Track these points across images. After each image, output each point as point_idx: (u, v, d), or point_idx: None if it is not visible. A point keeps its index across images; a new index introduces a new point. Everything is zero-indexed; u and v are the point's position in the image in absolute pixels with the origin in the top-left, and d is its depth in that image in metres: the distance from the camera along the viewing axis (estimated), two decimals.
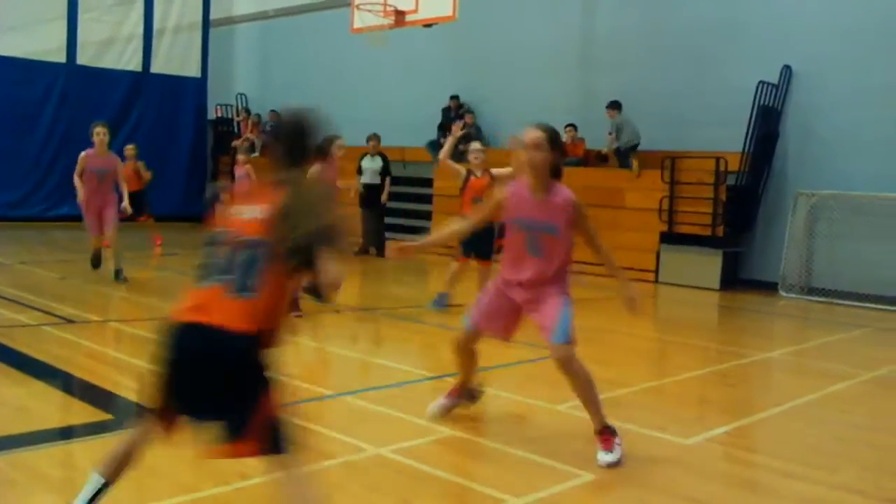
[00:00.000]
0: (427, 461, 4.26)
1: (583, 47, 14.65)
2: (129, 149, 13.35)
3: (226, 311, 2.79)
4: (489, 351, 7.09)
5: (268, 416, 2.88)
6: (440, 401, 5.08)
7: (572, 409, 5.22)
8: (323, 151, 7.09)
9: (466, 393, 5.16)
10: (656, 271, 12.80)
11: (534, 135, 4.44)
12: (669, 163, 12.66)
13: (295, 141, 3.16)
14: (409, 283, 11.36)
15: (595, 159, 14.12)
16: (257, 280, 2.80)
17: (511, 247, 4.64)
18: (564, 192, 4.48)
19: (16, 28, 17.21)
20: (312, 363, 6.47)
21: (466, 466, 4.38)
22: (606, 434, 4.46)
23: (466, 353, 4.94)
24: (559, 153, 4.50)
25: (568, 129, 13.78)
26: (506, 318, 4.74)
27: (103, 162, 9.76)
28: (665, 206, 12.74)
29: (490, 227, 7.37)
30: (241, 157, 12.72)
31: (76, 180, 9.71)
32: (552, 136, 4.46)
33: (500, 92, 15.45)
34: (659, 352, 8.24)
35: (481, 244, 8.27)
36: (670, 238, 12.70)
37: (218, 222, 2.99)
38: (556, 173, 4.49)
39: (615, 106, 13.34)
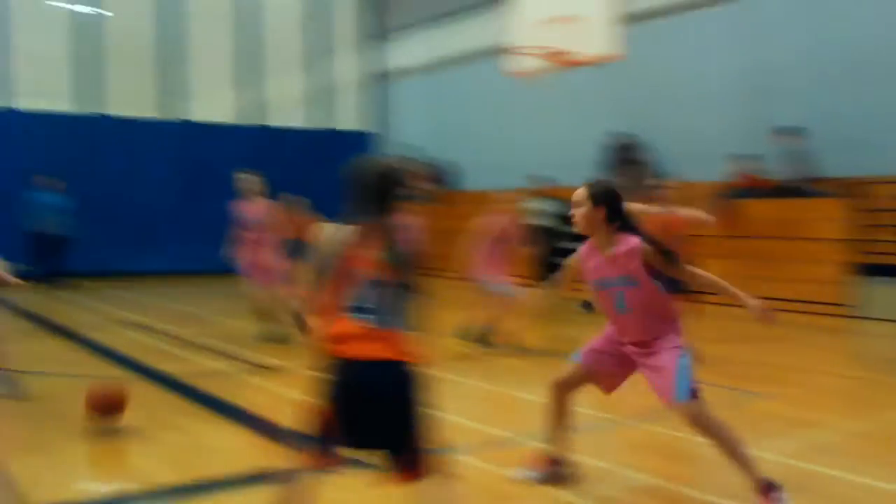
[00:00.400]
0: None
1: (755, 75, 14.16)
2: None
3: (386, 343, 3.18)
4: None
5: (425, 444, 3.21)
6: (524, 471, 4.68)
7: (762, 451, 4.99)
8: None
9: (552, 468, 4.61)
10: (843, 304, 11.97)
11: (577, 193, 4.33)
12: (859, 189, 11.95)
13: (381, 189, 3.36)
14: (585, 324, 11.21)
15: (773, 191, 13.55)
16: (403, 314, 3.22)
17: (604, 310, 4.45)
18: (630, 240, 4.23)
19: (202, 96, 18.57)
20: (492, 406, 6.50)
21: None
22: (766, 489, 4.04)
23: (561, 400, 4.56)
24: (609, 206, 4.26)
25: (743, 160, 13.33)
26: (616, 366, 4.47)
27: None
28: (855, 234, 11.99)
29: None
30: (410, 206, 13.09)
31: None
32: (595, 192, 4.29)
33: (670, 126, 15.15)
34: (862, 391, 7.63)
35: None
36: (868, 269, 11.86)
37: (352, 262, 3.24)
38: (620, 225, 4.28)
39: (794, 132, 12.78)
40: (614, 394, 4.61)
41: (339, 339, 3.24)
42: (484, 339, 9.07)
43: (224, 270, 17.36)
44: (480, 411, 6.41)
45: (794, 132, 12.80)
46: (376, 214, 3.30)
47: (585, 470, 4.86)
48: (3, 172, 15.53)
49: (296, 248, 11.86)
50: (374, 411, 3.15)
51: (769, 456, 4.91)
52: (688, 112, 14.84)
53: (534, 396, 6.85)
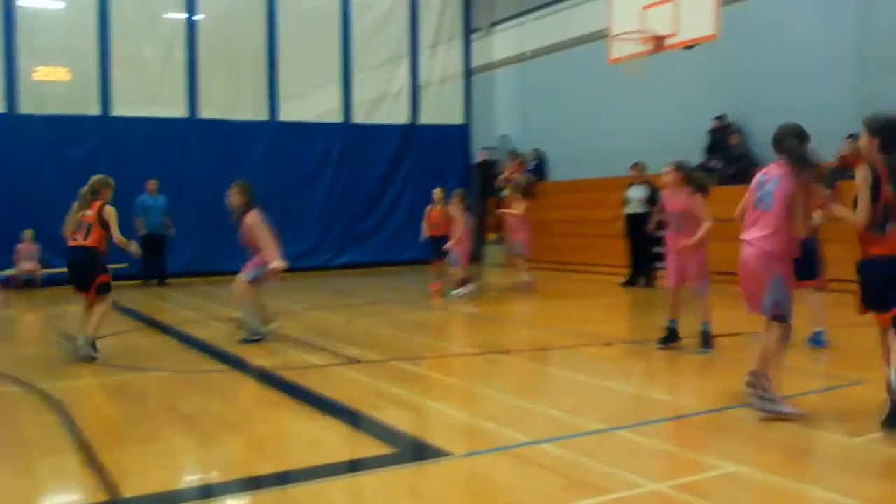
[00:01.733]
0: (710, 498, 4.03)
1: (861, 49, 13.52)
2: (438, 192, 14.01)
3: None
4: (783, 380, 6.66)
5: None
6: None
7: (869, 442, 4.77)
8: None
9: None
10: None
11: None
12: None
13: None
14: (685, 315, 10.96)
15: None
16: None
17: None
18: None
19: (297, 96, 18.91)
20: (584, 397, 6.40)
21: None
22: None
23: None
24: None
25: (849, 139, 12.76)
26: None
27: None
28: None
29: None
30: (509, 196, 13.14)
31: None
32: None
33: (770, 107, 14.61)
34: None
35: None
36: None
37: None
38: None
39: None
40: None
41: None
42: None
43: (316, 266, 17.69)
44: (567, 401, 6.32)
45: None
46: None
47: (675, 458, 4.73)
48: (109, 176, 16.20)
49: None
50: None
51: (864, 444, 4.67)
52: (788, 91, 14.28)
53: (618, 385, 6.74)
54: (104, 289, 8.14)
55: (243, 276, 9.00)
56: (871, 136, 5.01)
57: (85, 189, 8.24)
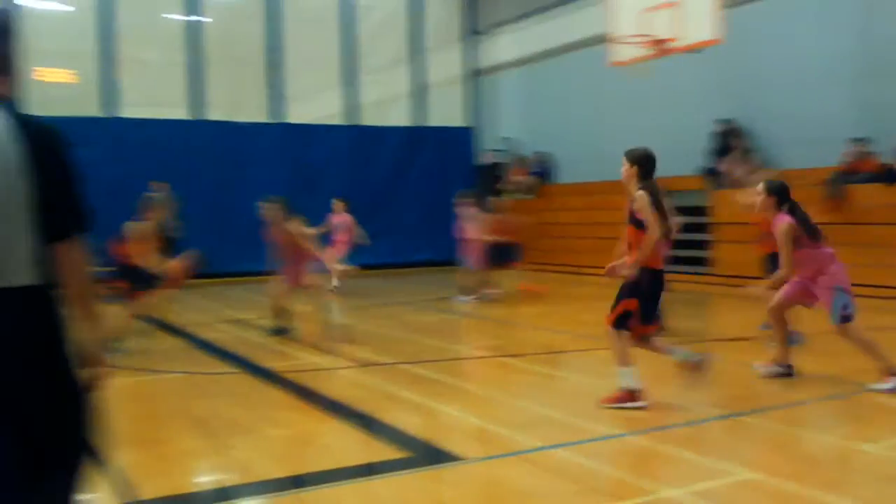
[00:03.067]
0: None
1: (862, 55, 13.50)
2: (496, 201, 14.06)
3: None
4: (785, 386, 6.66)
5: None
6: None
7: (889, 449, 4.76)
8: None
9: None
10: None
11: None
12: None
13: None
14: (690, 317, 10.95)
15: (884, 174, 12.93)
16: None
17: None
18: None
19: (301, 97, 18.95)
20: (594, 401, 6.39)
21: None
22: None
23: None
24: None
25: (855, 143, 12.76)
26: None
27: None
28: None
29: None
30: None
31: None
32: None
33: (774, 111, 14.61)
34: None
35: None
36: None
37: None
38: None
39: None
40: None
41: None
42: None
43: (322, 269, 17.65)
44: (579, 405, 6.31)
45: None
46: None
47: (689, 465, 4.73)
48: (114, 179, 16.15)
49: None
50: None
51: (890, 452, 4.67)
52: (792, 95, 14.27)
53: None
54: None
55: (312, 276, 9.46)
56: (630, 165, 6.32)
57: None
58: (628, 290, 5.90)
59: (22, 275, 2.42)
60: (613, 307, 5.95)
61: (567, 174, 19.29)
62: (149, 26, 17.66)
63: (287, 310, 9.40)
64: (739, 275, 14.13)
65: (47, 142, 2.48)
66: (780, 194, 6.69)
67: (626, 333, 5.95)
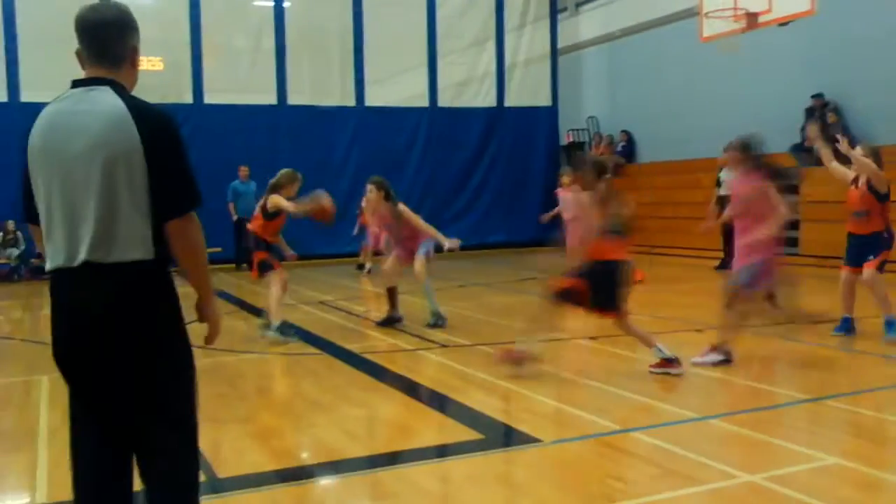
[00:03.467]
0: (807, 491, 3.90)
1: None
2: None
3: None
4: (873, 370, 6.43)
5: None
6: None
7: None
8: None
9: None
10: None
11: None
12: None
13: None
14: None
15: None
16: None
17: None
18: None
19: (382, 80, 19.04)
20: (675, 384, 6.29)
21: (854, 498, 3.92)
22: None
23: None
24: None
25: None
26: None
27: None
28: None
29: None
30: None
31: None
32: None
33: (869, 84, 14.03)
34: None
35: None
36: None
37: None
38: None
39: None
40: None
41: None
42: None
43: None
44: (658, 388, 6.21)
45: None
46: None
47: (771, 449, 4.61)
48: (201, 163, 16.61)
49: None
50: None
51: None
52: (885, 70, 13.67)
53: (710, 372, 6.59)
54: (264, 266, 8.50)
55: (419, 257, 9.17)
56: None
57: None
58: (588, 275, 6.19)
59: (132, 251, 2.63)
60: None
61: (650, 153, 18.95)
62: (234, 13, 18.00)
63: (395, 292, 9.33)
64: (828, 255, 13.70)
65: (162, 125, 2.67)
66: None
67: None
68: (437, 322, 9.05)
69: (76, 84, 2.74)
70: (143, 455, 2.75)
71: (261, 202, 8.64)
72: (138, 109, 2.64)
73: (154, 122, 2.65)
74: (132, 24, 2.81)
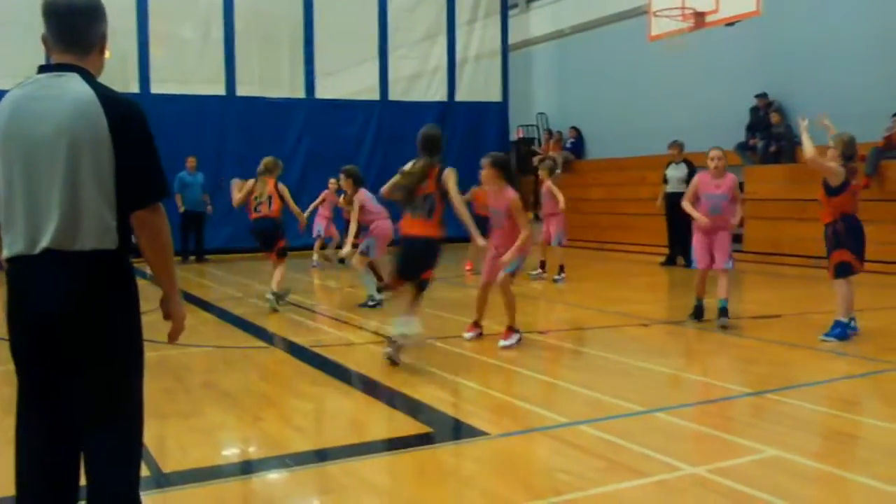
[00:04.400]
0: (749, 483, 3.98)
1: None
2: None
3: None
4: (813, 364, 6.58)
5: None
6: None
7: None
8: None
9: None
10: None
11: None
12: None
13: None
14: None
15: None
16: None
17: None
18: None
19: (333, 73, 18.90)
20: (619, 378, 6.37)
21: (793, 490, 4.01)
22: None
23: None
24: None
25: (895, 117, 12.50)
26: None
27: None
28: None
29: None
30: (541, 174, 12.90)
31: None
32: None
33: (812, 85, 14.34)
34: None
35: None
36: None
37: None
38: None
39: None
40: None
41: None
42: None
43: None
44: (605, 382, 6.28)
45: None
46: None
47: (715, 442, 4.70)
48: None
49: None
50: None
51: None
52: (831, 69, 13.99)
53: (656, 366, 6.69)
54: (284, 252, 9.91)
55: (357, 250, 10.09)
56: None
57: (260, 168, 9.88)
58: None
59: (96, 240, 2.59)
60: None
61: (599, 150, 19.14)
62: (182, 2, 17.71)
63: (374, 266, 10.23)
64: (770, 251, 14.00)
65: (131, 114, 2.66)
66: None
67: None
68: (369, 303, 9.81)
69: (42, 69, 2.70)
70: (88, 448, 2.70)
71: (268, 189, 9.73)
72: (107, 97, 2.62)
73: (123, 111, 2.63)
74: (102, 11, 2.78)
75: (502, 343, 7.38)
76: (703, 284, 8.40)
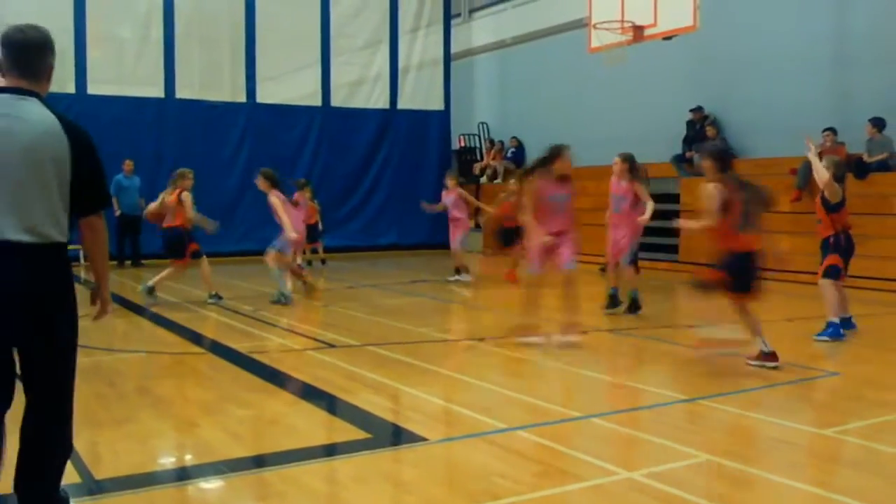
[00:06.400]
0: (682, 487, 4.06)
1: (838, 46, 13.62)
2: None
3: None
4: (746, 372, 6.73)
5: None
6: None
7: (841, 433, 4.83)
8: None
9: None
10: None
11: None
12: None
13: None
14: (657, 303, 11.04)
15: (854, 165, 13.07)
16: None
17: None
18: None
19: (275, 77, 18.75)
20: (558, 384, 6.43)
21: (725, 493, 4.10)
22: None
23: None
24: None
25: (826, 133, 12.88)
26: None
27: None
28: None
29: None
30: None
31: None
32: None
33: (747, 100, 14.71)
34: None
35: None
36: None
37: None
38: None
39: (876, 124, 12.47)
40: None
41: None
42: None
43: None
44: (543, 388, 6.34)
45: (876, 122, 12.51)
46: None
47: (650, 447, 4.78)
48: None
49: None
50: None
51: (837, 435, 4.73)
52: (765, 83, 14.38)
53: (594, 373, 6.77)
54: (198, 254, 10.67)
55: (271, 247, 10.61)
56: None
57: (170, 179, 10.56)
58: None
59: (51, 234, 3.24)
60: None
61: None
62: (121, 2, 17.41)
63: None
64: (706, 262, 14.26)
65: (86, 140, 3.35)
66: None
67: None
68: (280, 300, 10.40)
69: (2, 91, 3.26)
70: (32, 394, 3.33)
71: (171, 200, 10.35)
72: (65, 123, 3.27)
73: (80, 137, 3.30)
74: (51, 46, 3.41)
75: (563, 338, 7.86)
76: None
